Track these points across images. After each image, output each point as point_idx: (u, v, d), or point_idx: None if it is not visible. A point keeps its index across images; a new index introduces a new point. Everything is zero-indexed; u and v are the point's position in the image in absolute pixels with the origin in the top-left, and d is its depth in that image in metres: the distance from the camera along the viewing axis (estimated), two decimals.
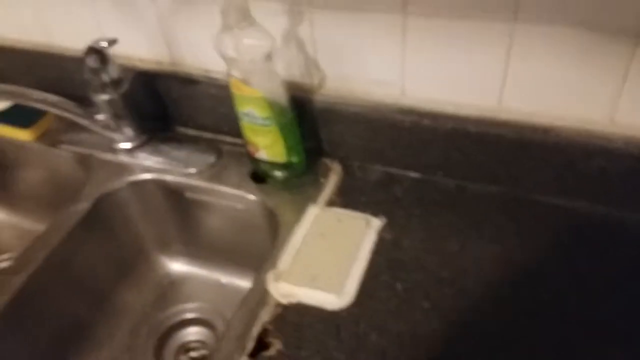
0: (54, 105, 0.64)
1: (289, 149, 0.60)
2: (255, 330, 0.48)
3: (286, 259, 0.54)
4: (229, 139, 0.70)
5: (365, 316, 0.49)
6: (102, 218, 0.65)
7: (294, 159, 0.61)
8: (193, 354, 0.67)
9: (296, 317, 0.49)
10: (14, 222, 0.83)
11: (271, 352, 0.47)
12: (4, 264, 0.76)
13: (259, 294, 0.51)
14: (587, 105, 0.51)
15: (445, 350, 0.45)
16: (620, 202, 0.54)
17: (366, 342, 0.46)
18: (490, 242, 0.53)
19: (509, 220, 0.55)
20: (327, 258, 0.54)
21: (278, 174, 0.63)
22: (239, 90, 0.56)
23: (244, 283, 0.70)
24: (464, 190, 0.59)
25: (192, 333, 0.68)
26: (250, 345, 0.47)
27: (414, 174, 0.62)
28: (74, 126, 0.68)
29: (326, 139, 0.64)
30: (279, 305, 0.50)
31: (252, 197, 0.63)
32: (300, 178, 0.64)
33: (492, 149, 0.56)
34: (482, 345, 0.45)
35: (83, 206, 0.64)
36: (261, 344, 0.47)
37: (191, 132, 0.72)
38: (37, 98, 0.63)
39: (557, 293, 0.48)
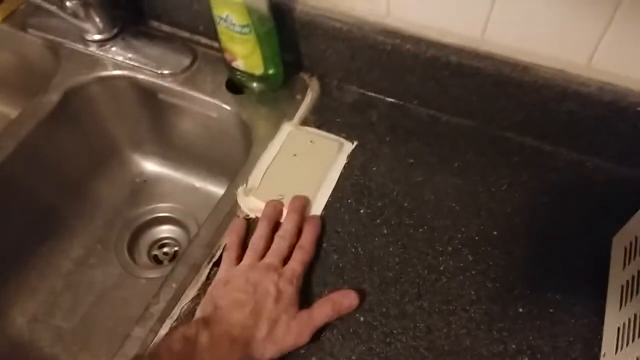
0: None
1: (267, 60, 0.58)
2: (223, 241, 0.51)
3: (257, 175, 0.56)
4: (204, 40, 0.67)
5: (327, 237, 0.52)
6: (72, 111, 0.64)
7: (271, 71, 0.60)
8: (166, 249, 0.71)
9: None
10: None
11: None
12: None
13: (228, 207, 0.54)
14: (568, 47, 0.51)
15: (397, 273, 0.49)
16: (586, 146, 0.56)
17: (325, 261, 0.50)
18: (454, 175, 0.56)
19: (476, 156, 0.57)
20: (296, 178, 0.56)
21: (254, 85, 0.62)
22: None
23: (216, 189, 0.72)
24: (437, 121, 0.60)
25: (165, 230, 0.72)
26: (217, 253, 0.50)
27: (390, 99, 0.62)
28: (43, 11, 0.64)
29: (305, 53, 0.62)
30: (247, 218, 0.53)
31: (227, 107, 0.62)
32: (276, 92, 0.63)
33: (469, 82, 0.56)
34: (429, 273, 0.50)
35: (52, 97, 0.63)
36: None
37: (165, 28, 0.69)
38: None
39: (510, 231, 0.52)
